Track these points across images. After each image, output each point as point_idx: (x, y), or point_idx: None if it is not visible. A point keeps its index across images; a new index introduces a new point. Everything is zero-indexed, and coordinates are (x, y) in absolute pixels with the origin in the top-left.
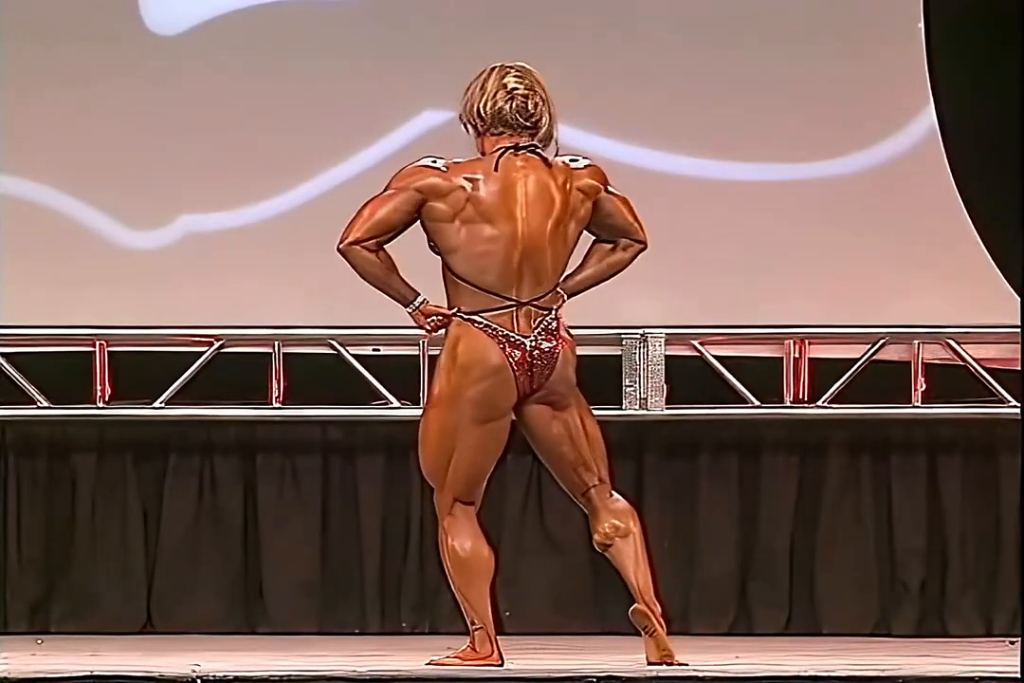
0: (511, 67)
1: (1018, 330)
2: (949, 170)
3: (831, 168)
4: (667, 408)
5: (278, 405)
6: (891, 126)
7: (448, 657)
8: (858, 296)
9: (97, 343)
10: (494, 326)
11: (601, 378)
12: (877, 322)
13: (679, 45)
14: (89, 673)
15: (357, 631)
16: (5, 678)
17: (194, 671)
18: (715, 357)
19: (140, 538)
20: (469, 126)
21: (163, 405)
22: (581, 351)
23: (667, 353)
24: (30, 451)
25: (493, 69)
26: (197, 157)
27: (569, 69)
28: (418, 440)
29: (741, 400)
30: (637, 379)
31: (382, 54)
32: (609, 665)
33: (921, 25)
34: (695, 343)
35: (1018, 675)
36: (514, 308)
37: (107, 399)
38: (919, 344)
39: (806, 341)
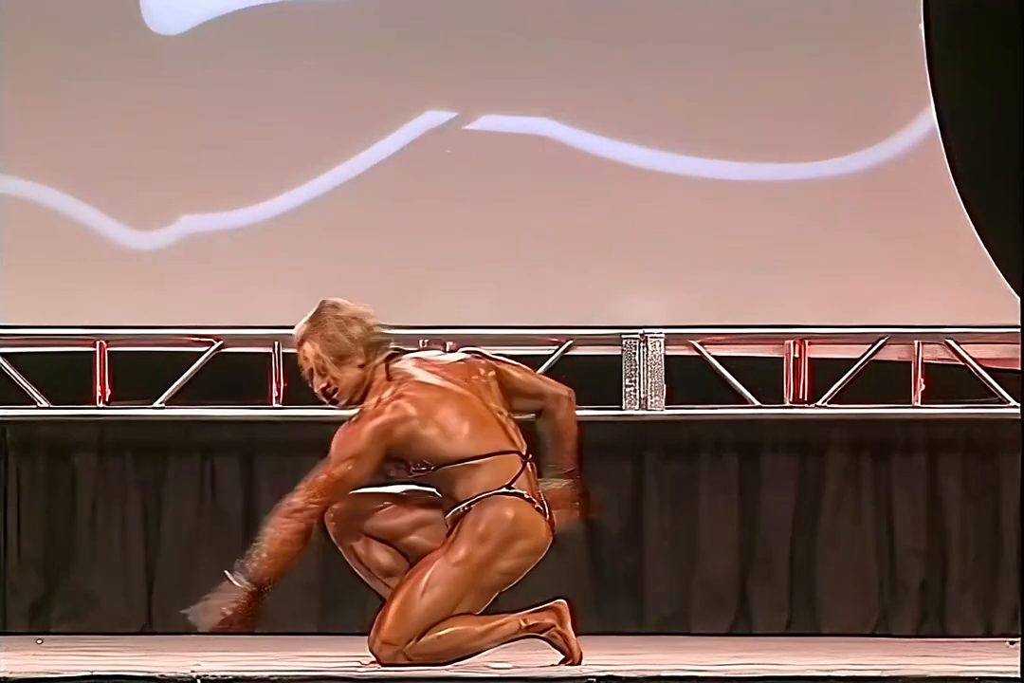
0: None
1: (1018, 330)
2: (949, 170)
3: (831, 168)
4: (667, 408)
5: (278, 405)
6: (892, 126)
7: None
8: (858, 296)
9: (97, 343)
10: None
11: (601, 378)
12: (877, 322)
13: (680, 46)
14: (89, 673)
15: (358, 631)
16: (5, 678)
17: (194, 671)
18: (715, 357)
19: (140, 538)
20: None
21: (163, 405)
22: (581, 351)
23: (667, 353)
24: (30, 451)
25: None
26: (198, 157)
27: (569, 69)
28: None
29: (741, 400)
30: (637, 379)
31: (384, 54)
32: (609, 665)
33: (921, 26)
34: (695, 343)
35: (1018, 675)
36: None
37: (107, 399)
38: (919, 344)
39: (806, 341)
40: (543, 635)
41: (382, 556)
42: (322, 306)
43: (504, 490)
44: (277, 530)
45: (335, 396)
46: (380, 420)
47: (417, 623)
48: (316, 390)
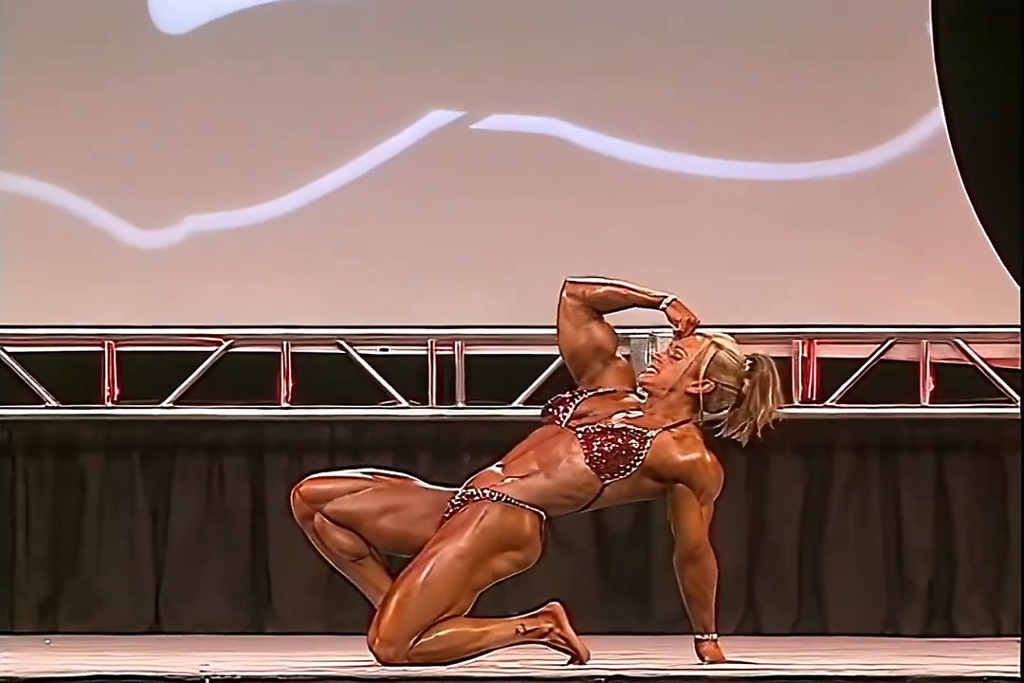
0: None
1: None
2: (956, 166)
3: (839, 167)
4: None
5: (286, 405)
6: (900, 125)
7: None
8: (866, 295)
9: (105, 343)
10: None
11: None
12: (885, 322)
13: (684, 45)
14: (97, 673)
15: (366, 631)
16: (13, 678)
17: (202, 671)
18: None
19: (148, 538)
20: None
21: (171, 405)
22: None
23: None
24: (38, 451)
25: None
26: (204, 156)
27: (574, 68)
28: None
29: None
30: None
31: (389, 54)
32: (617, 665)
33: (929, 25)
34: None
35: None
36: None
37: (115, 399)
38: (927, 344)
39: (814, 341)
40: (544, 640)
41: (341, 537)
42: (761, 360)
43: (541, 512)
44: (708, 577)
45: (650, 380)
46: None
47: (416, 619)
48: (652, 366)
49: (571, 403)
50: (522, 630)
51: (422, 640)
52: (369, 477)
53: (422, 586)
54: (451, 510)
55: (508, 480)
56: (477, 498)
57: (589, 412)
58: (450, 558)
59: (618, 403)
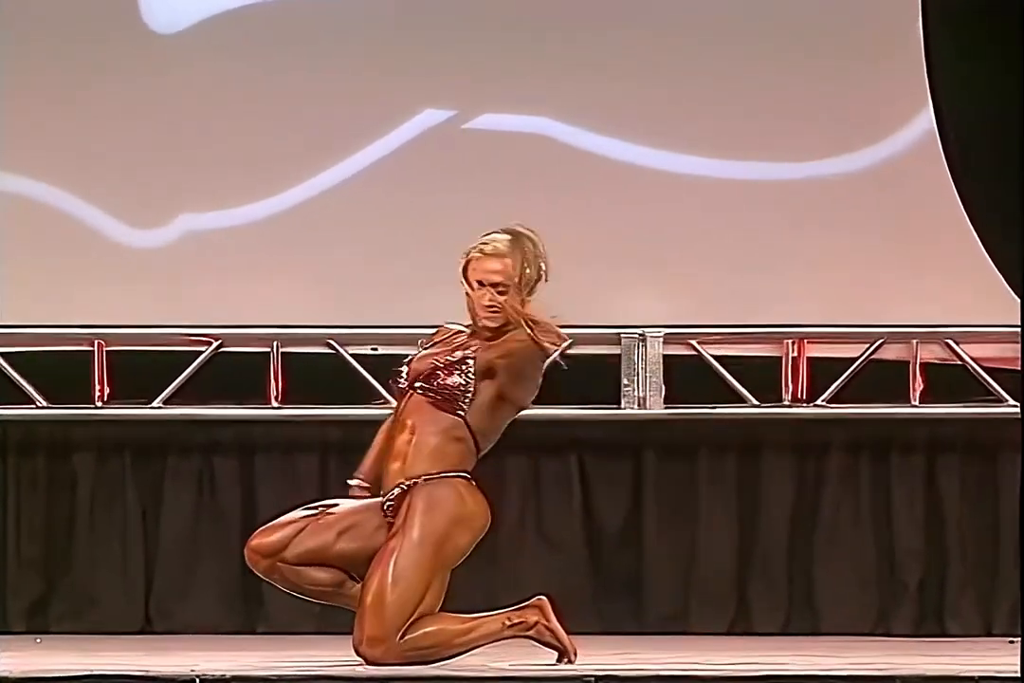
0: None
1: (1016, 329)
2: (948, 169)
3: (830, 167)
4: (666, 407)
5: (277, 405)
6: (890, 126)
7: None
8: (857, 295)
9: (96, 342)
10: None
11: (599, 377)
12: (876, 321)
13: (678, 45)
14: (88, 673)
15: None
16: (5, 677)
17: (193, 671)
18: (714, 356)
19: (139, 538)
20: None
21: (162, 405)
22: (580, 350)
23: (665, 352)
24: (29, 451)
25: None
26: (197, 155)
27: (566, 68)
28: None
29: (740, 399)
30: (636, 378)
31: (382, 53)
32: (608, 665)
33: (920, 25)
34: (694, 342)
35: (1018, 675)
36: None
37: (106, 399)
38: (917, 343)
39: (805, 340)
40: (531, 633)
41: (316, 573)
42: (520, 234)
43: (463, 473)
44: None
45: (493, 318)
46: (541, 346)
47: (397, 614)
48: (483, 303)
49: (401, 369)
50: (508, 623)
51: (408, 637)
52: (310, 513)
53: (392, 581)
54: (389, 516)
55: (406, 464)
56: (399, 493)
57: (425, 368)
58: (408, 548)
59: (452, 346)
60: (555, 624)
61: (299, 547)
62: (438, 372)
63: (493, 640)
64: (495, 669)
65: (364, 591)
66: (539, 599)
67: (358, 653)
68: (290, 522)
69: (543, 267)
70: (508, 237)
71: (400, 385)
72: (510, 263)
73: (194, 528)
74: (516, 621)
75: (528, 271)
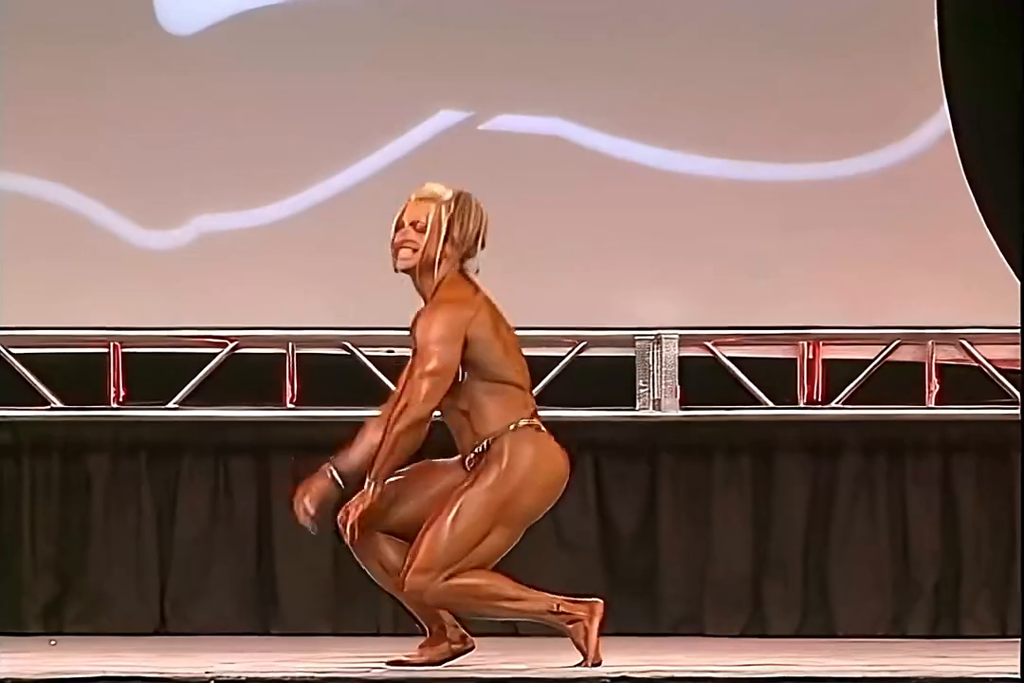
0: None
1: None
2: (961, 164)
3: (846, 169)
4: (681, 409)
5: (292, 406)
6: (906, 126)
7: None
8: (872, 297)
9: (111, 344)
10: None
11: (615, 379)
12: (891, 323)
13: (691, 47)
14: (102, 674)
15: (371, 632)
16: (19, 679)
17: (208, 672)
18: (729, 358)
19: (154, 539)
20: (452, 250)
21: (177, 406)
22: (595, 352)
23: (681, 354)
24: (44, 452)
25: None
26: (212, 157)
27: (584, 69)
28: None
29: (755, 401)
30: (651, 380)
31: (398, 54)
32: (622, 665)
33: (935, 25)
34: (709, 344)
35: None
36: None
37: (121, 400)
38: (933, 345)
39: (820, 342)
40: (568, 626)
41: (391, 554)
42: (466, 194)
43: (526, 421)
44: (396, 434)
45: (405, 258)
46: (466, 310)
47: (449, 551)
48: (397, 239)
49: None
50: (555, 609)
51: (454, 581)
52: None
53: (453, 519)
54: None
55: (474, 428)
56: (480, 451)
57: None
58: (476, 492)
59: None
60: (594, 629)
61: (390, 519)
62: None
63: (531, 618)
64: (509, 670)
65: (423, 530)
66: (596, 602)
67: (400, 585)
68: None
69: (482, 228)
70: (447, 189)
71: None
72: (440, 209)
73: (209, 529)
74: (563, 611)
75: (462, 223)
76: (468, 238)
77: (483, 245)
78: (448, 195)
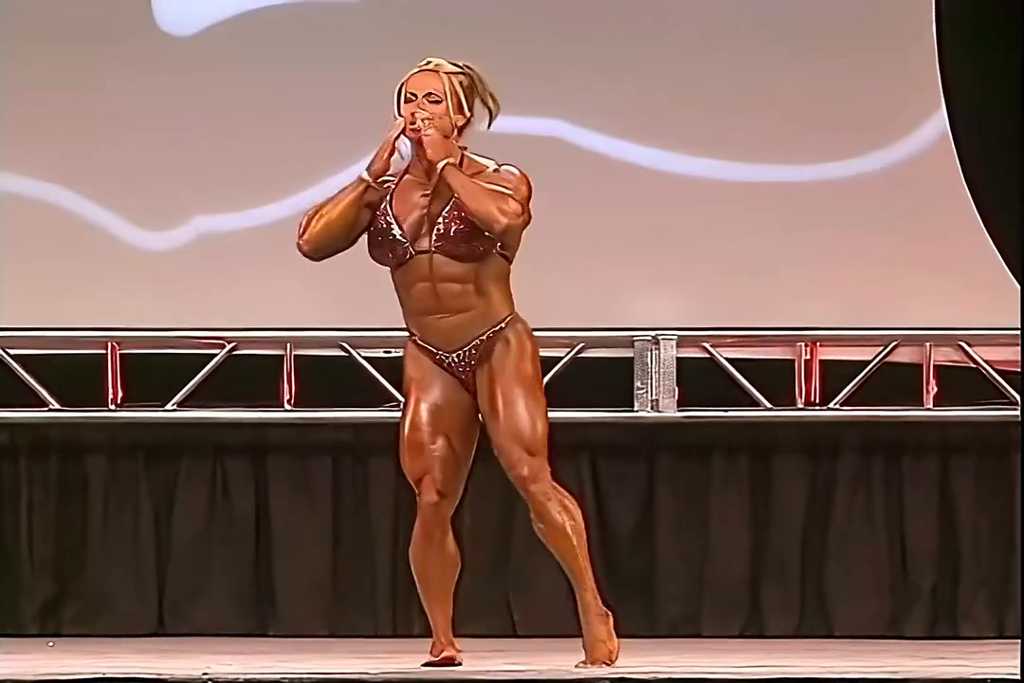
0: None
1: None
2: (959, 165)
3: (843, 170)
4: (679, 410)
5: (289, 407)
6: (906, 126)
7: None
8: (870, 298)
9: (109, 345)
10: None
11: (613, 380)
12: (889, 324)
13: (689, 47)
14: (100, 675)
15: (368, 633)
16: (17, 680)
17: (205, 674)
18: (727, 359)
19: (151, 540)
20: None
21: (175, 408)
22: (593, 353)
23: (679, 355)
24: (41, 454)
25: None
26: (211, 157)
27: (582, 70)
28: (526, 415)
29: (753, 402)
30: (649, 381)
31: (398, 54)
32: (620, 666)
33: (933, 26)
34: (707, 345)
35: None
36: None
37: (119, 401)
38: (931, 346)
39: (818, 343)
40: (592, 621)
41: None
42: (472, 67)
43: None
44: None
45: (426, 127)
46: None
47: (544, 445)
48: (415, 111)
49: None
50: (597, 597)
51: (561, 494)
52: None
53: (529, 418)
54: (463, 373)
55: (468, 316)
56: (476, 345)
57: (426, 228)
58: (524, 390)
59: (414, 204)
60: (607, 633)
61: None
62: (451, 225)
63: (579, 584)
64: (507, 672)
65: (499, 425)
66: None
67: (519, 470)
68: (420, 455)
69: (492, 99)
70: (449, 62)
71: (404, 253)
72: (452, 79)
73: (207, 531)
74: (600, 602)
75: (475, 93)
76: (476, 110)
77: (494, 115)
78: (456, 68)
